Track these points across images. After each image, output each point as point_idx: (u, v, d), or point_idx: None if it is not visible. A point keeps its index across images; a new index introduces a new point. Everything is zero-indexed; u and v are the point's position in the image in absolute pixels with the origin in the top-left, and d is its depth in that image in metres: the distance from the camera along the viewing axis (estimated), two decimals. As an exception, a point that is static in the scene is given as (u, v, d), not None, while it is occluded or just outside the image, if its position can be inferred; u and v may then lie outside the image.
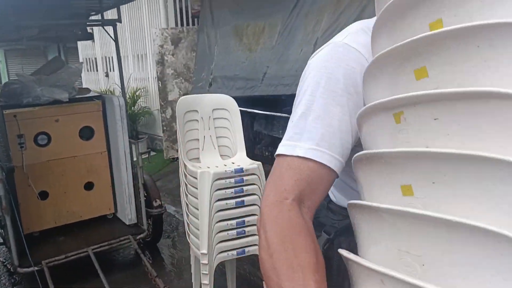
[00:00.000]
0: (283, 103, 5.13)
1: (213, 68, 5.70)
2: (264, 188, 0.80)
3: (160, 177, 6.12)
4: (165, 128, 6.53)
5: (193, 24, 6.60)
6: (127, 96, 7.12)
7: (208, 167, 2.80)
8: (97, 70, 9.01)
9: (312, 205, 0.78)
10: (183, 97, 3.02)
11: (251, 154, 5.91)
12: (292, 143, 0.80)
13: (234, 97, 3.19)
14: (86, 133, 3.60)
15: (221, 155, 3.09)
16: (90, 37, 5.05)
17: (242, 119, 3.14)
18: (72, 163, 3.56)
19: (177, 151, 6.64)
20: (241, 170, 2.67)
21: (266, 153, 6.09)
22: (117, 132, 3.51)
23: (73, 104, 3.49)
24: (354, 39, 0.85)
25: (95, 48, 8.88)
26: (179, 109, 2.93)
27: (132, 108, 7.10)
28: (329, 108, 0.81)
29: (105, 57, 8.59)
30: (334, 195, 1.02)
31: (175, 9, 6.53)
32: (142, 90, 7.34)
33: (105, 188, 3.72)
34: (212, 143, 3.06)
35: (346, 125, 0.80)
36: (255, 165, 2.73)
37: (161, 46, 6.30)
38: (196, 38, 6.31)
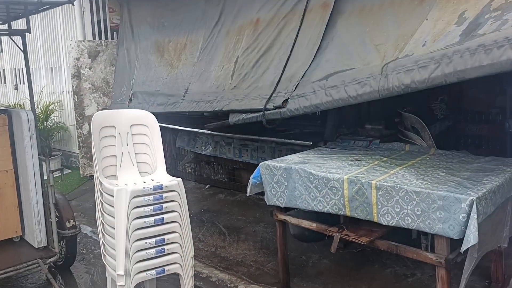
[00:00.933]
0: (205, 119, 5.14)
1: (133, 83, 5.56)
2: None
3: (76, 196, 5.79)
4: (81, 144, 6.21)
5: (112, 38, 6.41)
6: (39, 111, 6.70)
7: (126, 184, 2.72)
8: (5, 83, 8.38)
9: None
10: (98, 112, 2.92)
11: (173, 171, 5.83)
12: None
13: (155, 113, 3.14)
14: (-11, 148, 3.32)
15: (140, 172, 3.01)
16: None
17: (164, 136, 3.10)
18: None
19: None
20: (161, 187, 2.62)
21: (189, 170, 6.03)
22: (25, 149, 3.28)
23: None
24: None
25: (3, 59, 8.26)
26: (94, 124, 2.82)
27: (45, 123, 6.67)
28: None
29: (14, 68, 8.02)
30: None
31: (93, 21, 6.30)
32: (56, 104, 6.94)
33: (11, 209, 3.44)
34: (130, 160, 2.97)
35: None
36: (175, 181, 2.69)
37: (77, 59, 6.04)
38: (115, 52, 6.13)
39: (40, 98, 6.85)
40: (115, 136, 2.92)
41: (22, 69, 7.73)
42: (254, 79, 3.77)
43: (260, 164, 3.01)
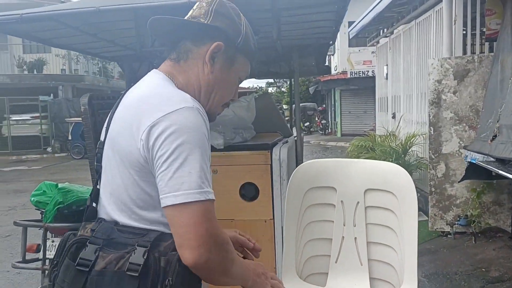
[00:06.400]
0: None
1: (501, 112, 3.78)
2: None
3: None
4: (433, 189, 4.89)
5: (490, 51, 4.71)
6: (401, 142, 5.85)
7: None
8: (387, 111, 8.05)
9: None
10: (308, 162, 1.75)
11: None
12: None
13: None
14: (249, 192, 2.78)
15: (372, 279, 1.61)
16: (328, 71, 4.25)
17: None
18: (229, 228, 2.79)
19: (446, 222, 4.84)
20: None
21: None
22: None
23: (232, 153, 2.75)
24: None
25: (387, 86, 7.97)
26: (296, 180, 1.70)
27: (403, 156, 5.75)
28: None
29: (394, 96, 7.54)
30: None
31: (466, 31, 4.85)
32: (422, 136, 5.87)
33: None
34: (357, 253, 1.64)
35: None
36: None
37: (439, 81, 4.76)
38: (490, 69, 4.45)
39: (399, 127, 6.00)
40: (334, 206, 1.67)
41: (400, 96, 7.13)
42: None
43: None
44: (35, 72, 16.98)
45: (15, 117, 15.85)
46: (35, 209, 2.66)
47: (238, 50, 1.16)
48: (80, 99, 2.16)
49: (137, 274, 0.95)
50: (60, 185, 2.68)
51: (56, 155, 15.26)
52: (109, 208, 1.09)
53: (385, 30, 7.84)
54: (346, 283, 1.61)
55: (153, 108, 1.00)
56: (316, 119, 22.28)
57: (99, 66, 18.93)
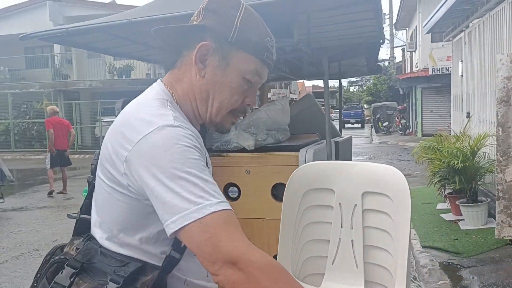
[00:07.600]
0: None
1: None
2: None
3: (476, 263, 4.26)
4: (501, 194, 4.53)
5: None
6: (468, 143, 5.48)
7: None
8: (461, 110, 7.55)
9: None
10: (307, 164, 1.77)
11: None
12: None
13: None
14: (280, 192, 2.82)
15: (367, 282, 1.60)
16: (379, 70, 4.13)
17: None
18: (261, 227, 2.88)
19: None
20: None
21: None
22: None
23: (264, 154, 2.81)
24: None
25: (462, 84, 7.48)
26: (295, 182, 1.73)
27: (471, 158, 5.38)
28: None
29: (469, 94, 7.05)
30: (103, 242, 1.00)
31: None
32: (494, 137, 5.44)
33: (296, 268, 2.79)
34: (353, 255, 1.63)
35: None
36: None
37: (508, 78, 4.42)
38: None
39: (468, 127, 5.61)
40: (332, 208, 1.68)
41: (474, 94, 6.66)
42: None
43: None
44: (123, 77, 18.34)
45: (106, 119, 17.24)
46: (87, 202, 2.96)
47: (233, 46, 0.99)
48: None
49: None
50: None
51: (140, 154, 16.31)
52: (95, 225, 1.02)
53: (460, 24, 7.37)
54: (341, 284, 1.61)
55: (128, 132, 0.93)
56: (396, 118, 21.43)
57: (180, 70, 19.83)
